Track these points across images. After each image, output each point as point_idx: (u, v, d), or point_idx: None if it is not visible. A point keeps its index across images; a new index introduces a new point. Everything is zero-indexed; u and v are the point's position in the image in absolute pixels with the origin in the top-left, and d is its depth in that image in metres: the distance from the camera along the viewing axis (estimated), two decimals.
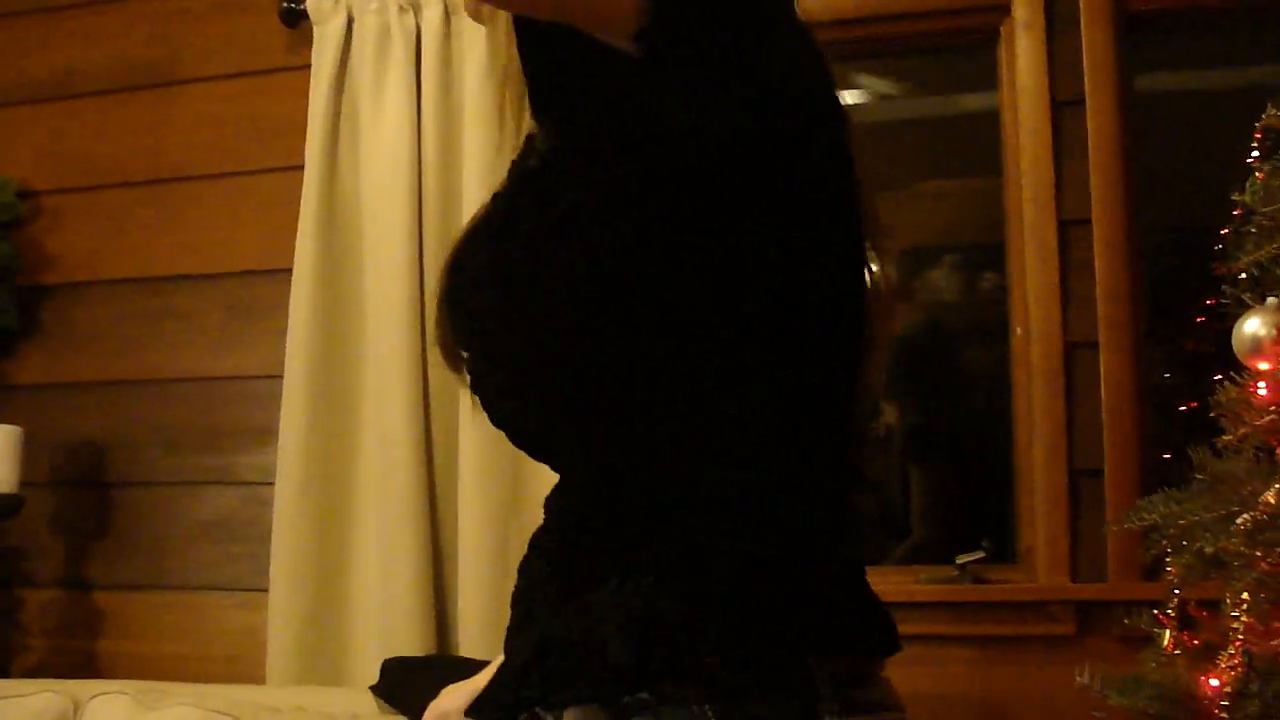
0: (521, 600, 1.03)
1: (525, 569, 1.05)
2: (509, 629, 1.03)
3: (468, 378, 1.00)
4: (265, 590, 2.69)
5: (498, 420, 0.99)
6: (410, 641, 2.53)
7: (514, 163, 0.99)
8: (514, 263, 0.91)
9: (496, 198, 0.98)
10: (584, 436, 0.92)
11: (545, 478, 2.71)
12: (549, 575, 0.97)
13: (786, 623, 0.87)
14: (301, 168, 2.80)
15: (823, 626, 0.89)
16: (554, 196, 0.86)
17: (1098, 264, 2.50)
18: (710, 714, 0.82)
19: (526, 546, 1.05)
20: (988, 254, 3.43)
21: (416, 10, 2.76)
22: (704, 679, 0.84)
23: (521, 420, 0.96)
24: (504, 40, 0.96)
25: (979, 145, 2.90)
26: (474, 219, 0.99)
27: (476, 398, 1.00)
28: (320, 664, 2.64)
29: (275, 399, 2.76)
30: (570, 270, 0.86)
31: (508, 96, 0.97)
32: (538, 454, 1.04)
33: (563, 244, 0.86)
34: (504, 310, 0.91)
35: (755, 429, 0.88)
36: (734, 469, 0.85)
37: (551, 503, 1.03)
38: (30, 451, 2.85)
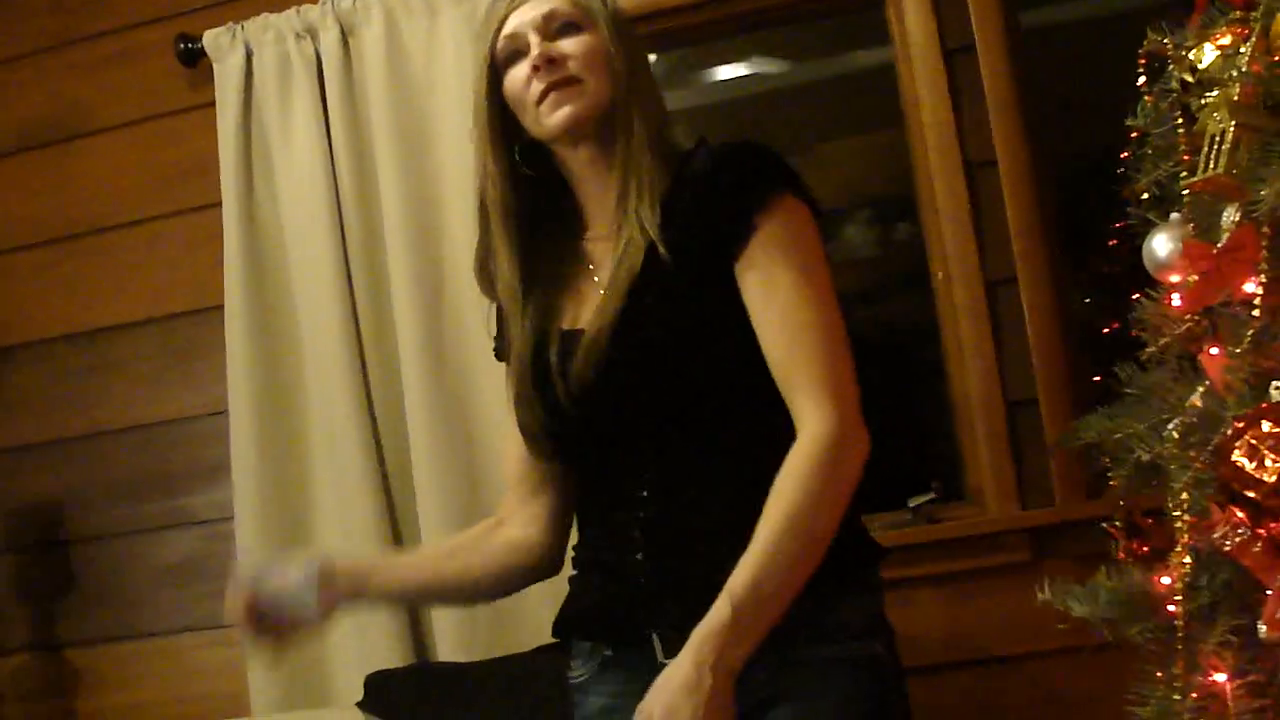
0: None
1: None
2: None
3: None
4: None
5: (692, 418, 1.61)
6: (389, 654, 2.56)
7: (644, 263, 1.57)
8: (677, 337, 1.56)
9: (638, 289, 1.58)
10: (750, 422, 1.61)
11: (495, 479, 2.71)
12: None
13: (872, 546, 1.66)
14: (218, 205, 2.82)
15: (875, 545, 1.67)
16: (694, 295, 1.58)
17: (1007, 202, 2.56)
18: (873, 582, 1.67)
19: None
20: (899, 205, 3.48)
21: (314, 36, 2.78)
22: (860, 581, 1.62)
23: (706, 413, 1.60)
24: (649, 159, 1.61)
25: (878, 99, 2.95)
26: (617, 309, 1.58)
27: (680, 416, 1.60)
28: (303, 689, 2.66)
29: (222, 436, 2.78)
30: (717, 337, 1.57)
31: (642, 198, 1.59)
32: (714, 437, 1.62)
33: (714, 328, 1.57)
34: (682, 363, 1.56)
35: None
36: None
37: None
38: None
